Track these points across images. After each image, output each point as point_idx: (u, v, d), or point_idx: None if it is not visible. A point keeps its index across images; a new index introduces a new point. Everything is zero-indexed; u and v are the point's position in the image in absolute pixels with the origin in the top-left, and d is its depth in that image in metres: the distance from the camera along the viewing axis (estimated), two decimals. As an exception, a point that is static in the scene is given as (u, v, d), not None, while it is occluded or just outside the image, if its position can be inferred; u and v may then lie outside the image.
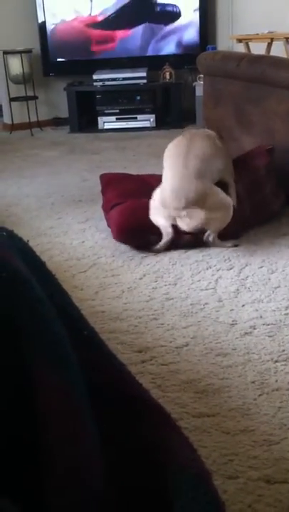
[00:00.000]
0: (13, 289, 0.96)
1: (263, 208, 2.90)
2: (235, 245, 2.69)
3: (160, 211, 2.62)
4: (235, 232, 2.75)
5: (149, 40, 5.92)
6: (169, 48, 5.92)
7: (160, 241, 2.65)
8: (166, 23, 5.85)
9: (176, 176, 2.60)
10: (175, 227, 2.62)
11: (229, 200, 2.63)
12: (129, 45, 5.96)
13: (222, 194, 2.61)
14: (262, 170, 2.89)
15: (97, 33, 5.95)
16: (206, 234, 2.64)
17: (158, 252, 2.65)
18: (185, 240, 2.67)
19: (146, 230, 2.66)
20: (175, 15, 5.82)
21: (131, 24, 5.89)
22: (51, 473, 0.83)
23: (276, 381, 1.69)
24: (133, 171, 3.75)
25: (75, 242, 2.89)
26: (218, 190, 2.61)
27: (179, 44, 5.90)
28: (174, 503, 0.82)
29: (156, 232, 2.64)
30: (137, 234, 2.70)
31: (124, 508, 0.84)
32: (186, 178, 2.57)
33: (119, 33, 5.93)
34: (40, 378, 0.88)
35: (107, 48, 5.99)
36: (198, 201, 2.54)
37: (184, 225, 2.60)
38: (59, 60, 6.00)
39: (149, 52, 5.95)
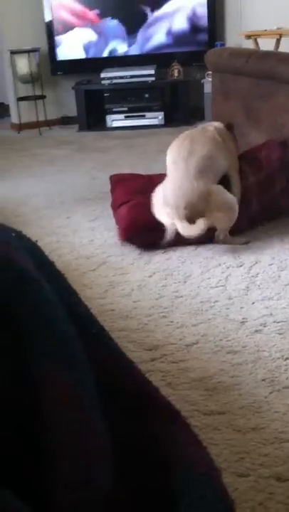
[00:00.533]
0: (22, 289, 0.96)
1: (273, 205, 2.88)
2: (247, 242, 2.68)
3: (162, 209, 2.62)
4: (243, 228, 2.74)
5: (157, 37, 5.91)
6: (177, 45, 5.90)
7: (164, 237, 2.63)
8: (175, 20, 5.83)
9: (178, 176, 2.59)
10: None
11: (234, 199, 2.60)
12: (137, 42, 5.95)
13: (226, 194, 2.59)
14: (276, 162, 2.87)
15: (105, 30, 5.94)
16: (216, 233, 2.63)
17: (163, 247, 2.65)
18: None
19: (153, 228, 2.65)
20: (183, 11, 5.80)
21: (139, 21, 5.88)
22: (57, 470, 0.83)
23: (287, 379, 1.68)
24: (142, 169, 3.75)
25: (84, 240, 2.89)
26: (222, 189, 2.59)
27: (187, 41, 5.88)
28: (181, 500, 0.82)
29: (162, 229, 2.63)
30: (143, 233, 2.69)
31: (132, 505, 0.84)
32: (187, 179, 2.55)
33: (127, 30, 5.92)
34: (49, 377, 0.88)
35: (115, 45, 5.99)
36: (200, 202, 2.52)
37: (182, 229, 2.54)
38: (66, 58, 6.00)
39: (157, 50, 5.94)
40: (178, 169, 2.60)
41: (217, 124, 2.87)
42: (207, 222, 2.51)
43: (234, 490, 1.30)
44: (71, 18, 5.89)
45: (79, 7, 5.86)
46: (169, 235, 2.62)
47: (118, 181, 3.18)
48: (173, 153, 2.69)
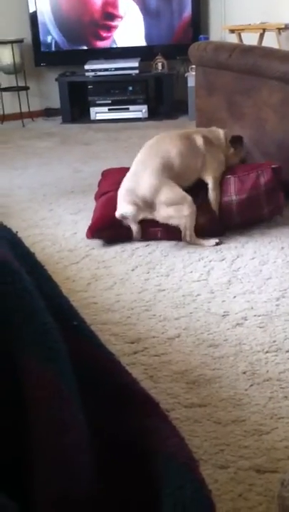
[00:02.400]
0: (2, 280, 0.96)
1: (257, 220, 2.83)
2: (218, 243, 2.64)
3: (121, 199, 2.71)
4: (218, 230, 2.74)
5: (142, 30, 5.89)
6: (162, 38, 5.89)
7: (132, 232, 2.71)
8: (159, 13, 5.82)
9: (133, 172, 2.74)
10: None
11: (184, 196, 2.64)
12: (122, 35, 5.93)
13: (176, 190, 2.65)
14: (262, 187, 2.72)
15: (89, 22, 5.92)
16: (182, 233, 2.65)
17: (138, 240, 2.72)
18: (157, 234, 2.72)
19: (120, 224, 2.69)
20: (167, 4, 5.79)
21: (123, 14, 5.85)
22: (40, 463, 0.83)
23: (267, 371, 1.71)
24: (125, 161, 3.74)
25: (67, 233, 2.89)
26: (174, 185, 2.66)
27: (172, 34, 5.88)
28: (161, 490, 0.83)
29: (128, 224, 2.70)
30: (111, 229, 2.71)
31: (113, 496, 0.85)
32: (140, 175, 2.69)
33: (112, 23, 5.90)
34: (29, 368, 0.88)
35: (99, 37, 5.96)
36: (149, 193, 2.63)
37: (129, 215, 2.67)
38: (50, 50, 5.96)
39: (142, 43, 5.92)
40: (136, 166, 2.75)
41: (210, 132, 2.93)
42: (130, 211, 2.64)
43: (214, 481, 1.32)
44: (55, 9, 5.85)
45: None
46: (134, 228, 2.68)
47: (107, 174, 3.20)
48: (141, 151, 2.82)
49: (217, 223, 2.73)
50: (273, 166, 2.74)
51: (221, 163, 2.85)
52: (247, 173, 2.75)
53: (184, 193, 2.65)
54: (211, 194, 2.75)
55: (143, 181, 2.66)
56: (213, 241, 2.65)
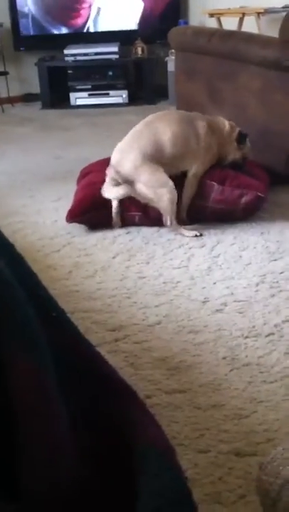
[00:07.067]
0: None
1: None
2: (197, 236, 2.61)
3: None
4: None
5: (121, 14, 5.84)
6: (141, 22, 5.85)
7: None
8: (138, -3, 5.78)
9: (120, 147, 2.69)
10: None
11: (166, 181, 2.58)
12: (101, 19, 5.87)
13: (160, 174, 2.59)
14: (242, 205, 2.67)
15: (69, 6, 5.85)
16: (163, 218, 2.63)
17: (117, 226, 2.72)
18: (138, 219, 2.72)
19: (100, 207, 2.68)
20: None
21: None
22: (24, 453, 0.84)
23: (246, 356, 1.73)
24: (106, 147, 3.72)
25: (47, 221, 2.88)
26: (157, 168, 2.59)
27: (151, 18, 5.83)
28: (138, 478, 0.85)
29: (109, 207, 2.70)
30: (90, 213, 2.70)
31: (95, 485, 0.86)
32: (127, 152, 2.62)
33: (91, 7, 5.84)
34: (10, 359, 0.89)
35: (79, 22, 5.90)
36: (130, 171, 2.59)
37: (105, 186, 2.65)
38: (30, 34, 5.89)
39: (121, 27, 5.87)
40: (124, 143, 2.69)
41: (214, 122, 2.81)
42: (127, 189, 2.59)
43: (194, 466, 1.34)
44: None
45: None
46: (114, 212, 2.69)
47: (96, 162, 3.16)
48: (132, 130, 2.73)
49: (185, 215, 2.71)
50: (259, 194, 2.66)
51: (211, 159, 2.75)
52: (231, 189, 2.65)
53: (166, 178, 2.59)
54: (187, 186, 2.67)
55: (128, 159, 2.60)
56: (193, 232, 2.61)
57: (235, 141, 2.80)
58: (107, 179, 2.67)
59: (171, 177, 2.61)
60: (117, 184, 2.63)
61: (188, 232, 2.62)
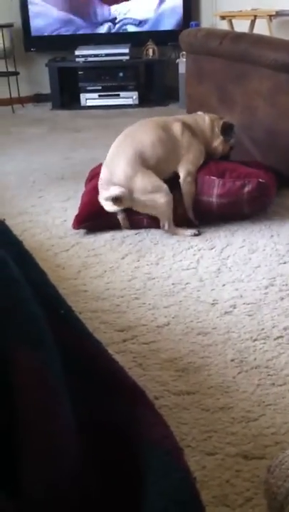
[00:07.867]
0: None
1: (238, 215, 2.79)
2: (196, 234, 2.62)
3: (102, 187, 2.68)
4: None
5: (132, 15, 5.84)
6: (152, 24, 5.85)
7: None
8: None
9: (109, 160, 2.69)
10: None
11: (160, 185, 2.58)
12: (112, 20, 5.88)
13: (153, 178, 2.59)
14: (246, 195, 2.66)
15: (80, 7, 5.86)
16: (160, 223, 2.64)
17: (127, 228, 2.71)
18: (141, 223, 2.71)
19: (104, 212, 2.67)
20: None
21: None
22: (26, 451, 0.84)
23: (255, 359, 1.72)
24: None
25: (57, 220, 2.88)
26: (149, 175, 2.59)
27: (162, 20, 5.84)
28: (146, 478, 0.84)
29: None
30: (96, 218, 2.69)
31: (99, 484, 0.86)
32: (116, 163, 2.63)
33: (103, 8, 5.85)
34: (16, 357, 0.89)
35: (90, 23, 5.91)
36: (126, 186, 2.57)
37: (101, 195, 2.65)
38: (40, 34, 5.91)
39: (132, 28, 5.88)
40: (112, 151, 2.70)
41: (193, 119, 2.83)
42: (120, 191, 2.57)
43: (202, 468, 1.33)
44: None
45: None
46: (119, 217, 2.67)
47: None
48: (120, 137, 2.75)
49: (192, 216, 2.70)
50: (260, 180, 2.66)
51: (197, 156, 2.74)
52: (233, 181, 2.65)
53: (160, 182, 2.58)
54: (183, 188, 2.67)
55: (118, 170, 2.60)
56: (191, 231, 2.62)
57: (221, 133, 2.81)
58: (102, 196, 2.65)
59: (164, 181, 2.62)
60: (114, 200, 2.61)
61: (186, 232, 2.63)
